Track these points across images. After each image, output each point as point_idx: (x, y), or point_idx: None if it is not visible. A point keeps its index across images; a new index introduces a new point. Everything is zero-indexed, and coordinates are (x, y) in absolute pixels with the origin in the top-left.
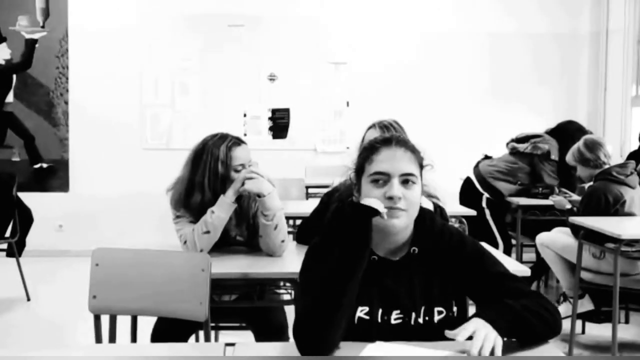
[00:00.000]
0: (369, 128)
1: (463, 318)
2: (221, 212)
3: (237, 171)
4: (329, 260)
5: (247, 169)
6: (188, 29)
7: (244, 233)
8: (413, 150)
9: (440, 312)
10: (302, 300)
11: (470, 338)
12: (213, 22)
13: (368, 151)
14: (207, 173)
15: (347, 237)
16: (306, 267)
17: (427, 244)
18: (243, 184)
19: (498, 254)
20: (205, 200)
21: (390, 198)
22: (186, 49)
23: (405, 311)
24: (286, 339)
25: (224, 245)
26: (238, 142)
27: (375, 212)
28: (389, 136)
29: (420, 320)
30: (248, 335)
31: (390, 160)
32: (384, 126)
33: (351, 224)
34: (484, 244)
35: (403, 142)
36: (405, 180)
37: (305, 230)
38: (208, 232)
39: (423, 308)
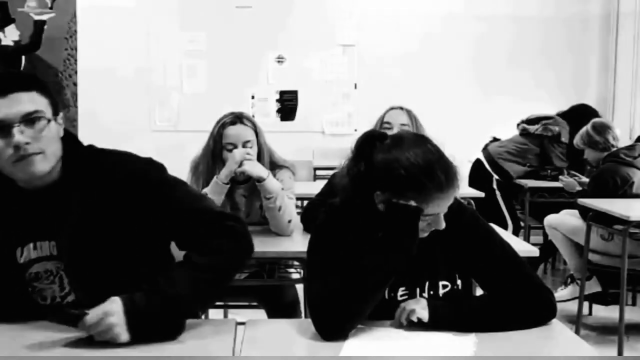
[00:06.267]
0: (390, 109)
1: (468, 291)
2: (214, 194)
3: (227, 150)
4: (372, 257)
5: (242, 150)
6: (196, 11)
7: (257, 213)
8: (459, 177)
9: (445, 286)
10: (329, 286)
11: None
12: (221, 3)
13: (423, 192)
14: (205, 147)
15: (401, 240)
16: (324, 249)
17: None
18: (240, 165)
19: (507, 235)
20: (203, 173)
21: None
22: (194, 30)
23: (410, 287)
24: (298, 314)
25: None
26: (234, 121)
27: (420, 212)
28: (443, 182)
29: (425, 294)
30: (258, 315)
31: (441, 204)
32: (408, 109)
33: (405, 227)
34: (493, 226)
35: (455, 182)
36: None
37: (310, 214)
38: None
39: (427, 283)
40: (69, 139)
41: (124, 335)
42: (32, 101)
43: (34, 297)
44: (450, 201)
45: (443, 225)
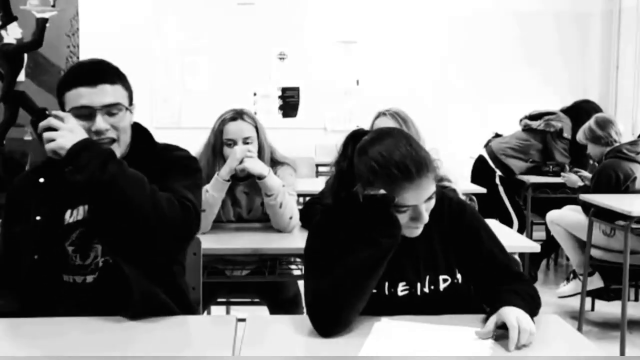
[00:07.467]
0: (378, 116)
1: (468, 284)
2: (215, 190)
3: (228, 146)
4: (358, 250)
5: (243, 147)
6: (198, 8)
7: (258, 210)
8: (432, 167)
9: (445, 280)
10: (323, 283)
11: (502, 327)
12: (223, 0)
13: (391, 182)
14: (205, 143)
15: (379, 230)
16: (318, 248)
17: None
18: (241, 162)
19: (511, 232)
20: (204, 169)
21: (418, 221)
22: (196, 27)
23: (410, 282)
24: (300, 309)
25: (238, 222)
26: (235, 117)
27: (391, 201)
28: (412, 170)
29: (426, 289)
30: (260, 311)
31: (415, 195)
32: (394, 113)
33: (380, 217)
34: (496, 222)
35: (425, 170)
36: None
37: (308, 213)
38: (203, 210)
39: (428, 277)
40: (137, 128)
41: (63, 140)
42: (115, 94)
43: (74, 257)
44: (426, 193)
45: (426, 219)
